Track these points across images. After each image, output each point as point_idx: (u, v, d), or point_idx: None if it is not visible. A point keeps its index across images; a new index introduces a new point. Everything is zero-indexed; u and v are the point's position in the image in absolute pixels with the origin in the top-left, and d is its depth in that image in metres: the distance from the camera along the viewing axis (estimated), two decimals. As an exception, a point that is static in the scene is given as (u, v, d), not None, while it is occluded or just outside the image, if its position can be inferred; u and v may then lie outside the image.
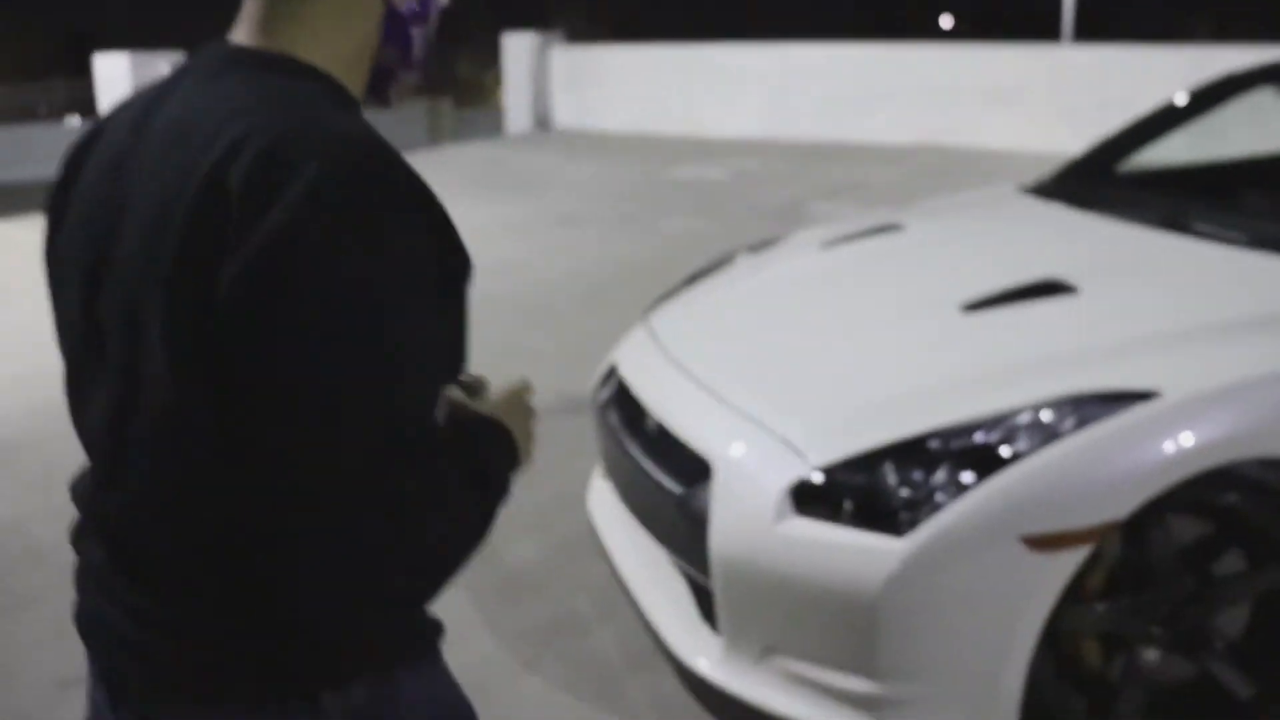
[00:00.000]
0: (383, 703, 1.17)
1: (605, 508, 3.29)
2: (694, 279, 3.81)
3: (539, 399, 1.40)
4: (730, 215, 9.50)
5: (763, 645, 2.45)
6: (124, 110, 1.24)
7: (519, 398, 1.32)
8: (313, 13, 1.19)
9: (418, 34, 1.30)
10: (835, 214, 8.65)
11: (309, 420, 1.00)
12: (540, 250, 8.44)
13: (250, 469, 1.02)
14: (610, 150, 14.21)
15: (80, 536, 1.27)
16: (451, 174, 12.38)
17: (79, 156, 1.26)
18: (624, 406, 3.11)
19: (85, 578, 1.25)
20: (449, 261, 1.13)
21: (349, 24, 1.22)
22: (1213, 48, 12.93)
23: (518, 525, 3.70)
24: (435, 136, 17.13)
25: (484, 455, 1.19)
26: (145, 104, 1.20)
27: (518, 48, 16.35)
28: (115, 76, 12.99)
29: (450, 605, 1.35)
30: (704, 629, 2.65)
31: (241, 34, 1.21)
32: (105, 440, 1.17)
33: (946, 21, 53.05)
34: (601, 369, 3.40)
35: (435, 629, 1.27)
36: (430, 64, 1.41)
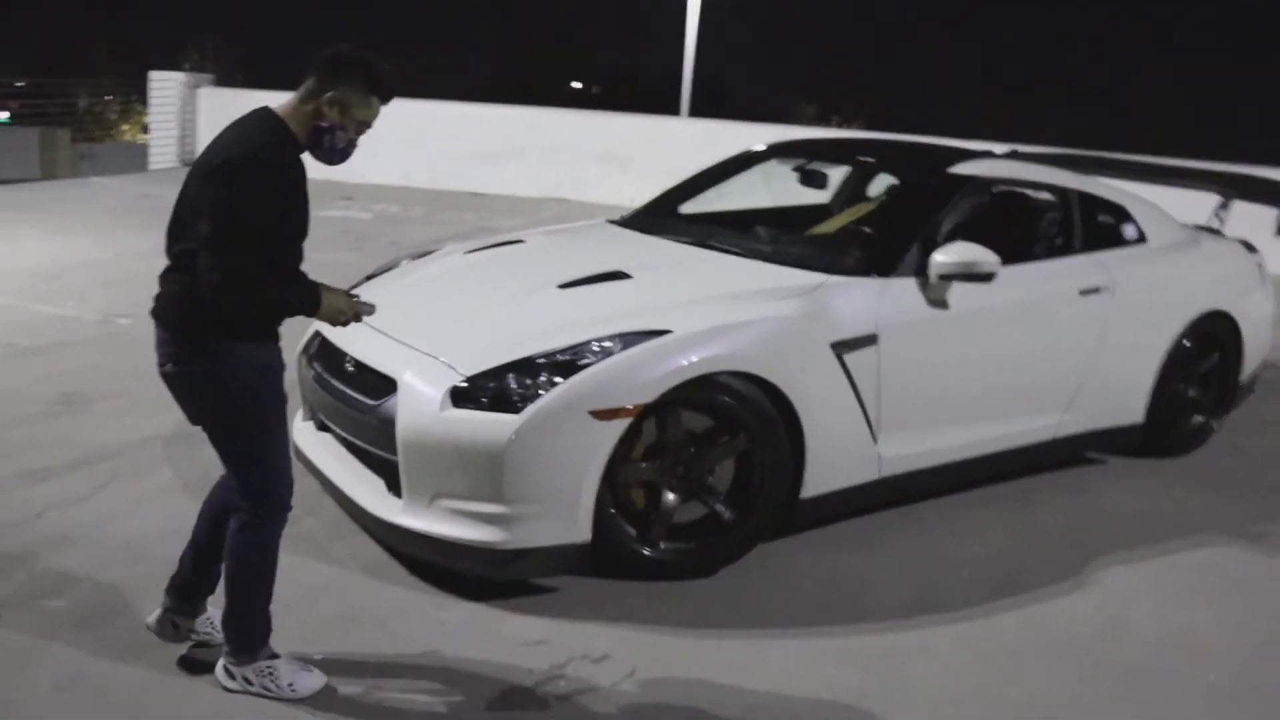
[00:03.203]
0: (256, 352, 3.06)
1: (308, 438, 4.56)
2: (369, 277, 5.16)
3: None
4: (375, 250, 10.68)
5: (431, 494, 3.81)
6: None
7: (349, 303, 3.13)
8: (298, 111, 3.04)
9: (327, 139, 3.10)
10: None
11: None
12: (208, 273, 9.38)
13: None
14: (259, 190, 15.07)
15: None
16: (104, 204, 12.93)
17: None
18: (326, 357, 4.42)
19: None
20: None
21: (301, 120, 3.06)
22: (794, 127, 15.38)
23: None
24: (48, 170, 16.89)
25: (298, 291, 3.03)
26: None
27: (164, 87, 16.93)
28: None
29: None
30: (390, 496, 3.98)
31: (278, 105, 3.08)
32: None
33: (577, 84, 56.74)
34: (305, 337, 4.67)
35: (276, 336, 3.12)
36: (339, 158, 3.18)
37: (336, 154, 3.12)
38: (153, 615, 3.39)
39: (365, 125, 3.12)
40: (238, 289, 2.88)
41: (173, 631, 3.39)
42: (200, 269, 2.86)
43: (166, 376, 3.10)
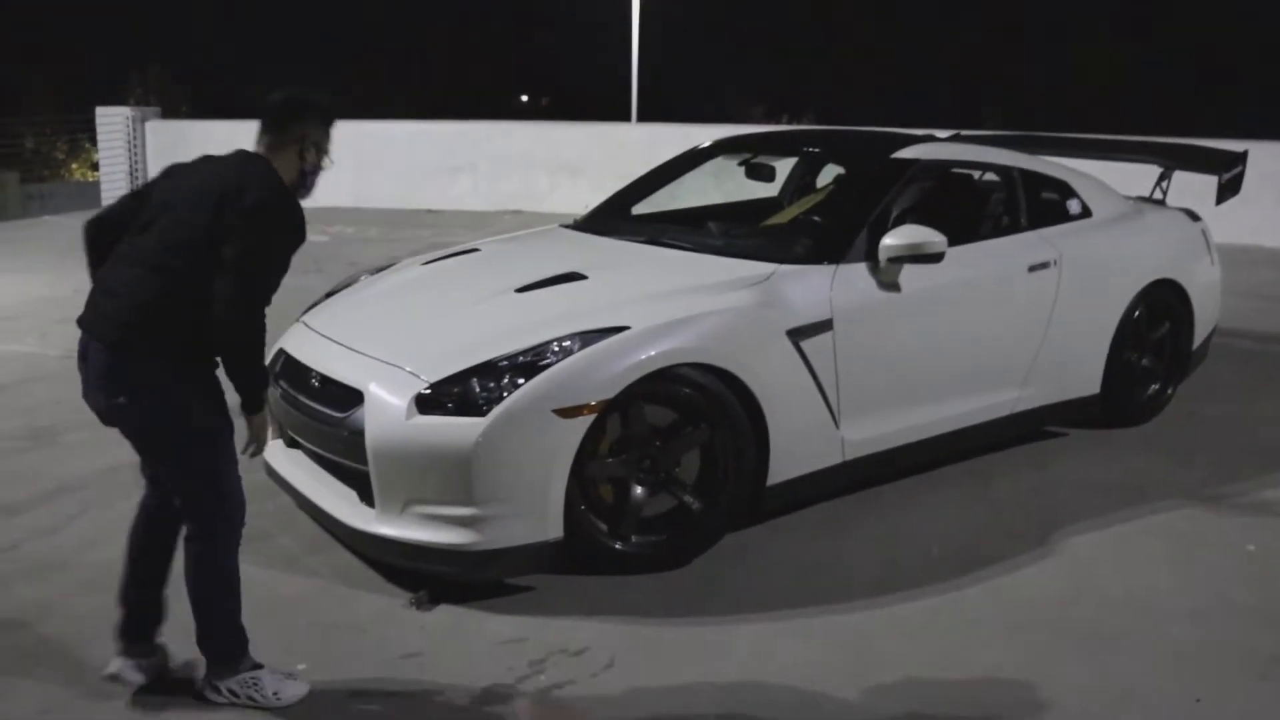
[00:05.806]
0: (208, 374, 3.17)
1: (278, 455, 4.59)
2: (329, 294, 5.19)
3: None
4: (334, 272, 10.64)
5: (404, 501, 3.86)
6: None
7: (268, 431, 3.54)
8: (277, 156, 3.19)
9: (311, 179, 3.26)
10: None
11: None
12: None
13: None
14: (213, 219, 15.02)
15: None
16: (58, 242, 12.83)
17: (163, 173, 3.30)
18: (292, 373, 4.45)
19: None
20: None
21: (285, 165, 3.23)
22: (742, 126, 15.47)
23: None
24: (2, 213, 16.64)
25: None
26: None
27: (111, 123, 16.85)
28: None
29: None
30: (363, 506, 4.03)
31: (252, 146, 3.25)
32: None
33: (525, 97, 56.90)
34: (270, 353, 4.71)
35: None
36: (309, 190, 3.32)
37: (312, 190, 3.36)
38: (110, 666, 3.33)
39: (327, 155, 3.37)
40: (251, 319, 3.06)
41: (136, 675, 3.32)
42: (222, 292, 2.98)
43: (115, 409, 3.13)
